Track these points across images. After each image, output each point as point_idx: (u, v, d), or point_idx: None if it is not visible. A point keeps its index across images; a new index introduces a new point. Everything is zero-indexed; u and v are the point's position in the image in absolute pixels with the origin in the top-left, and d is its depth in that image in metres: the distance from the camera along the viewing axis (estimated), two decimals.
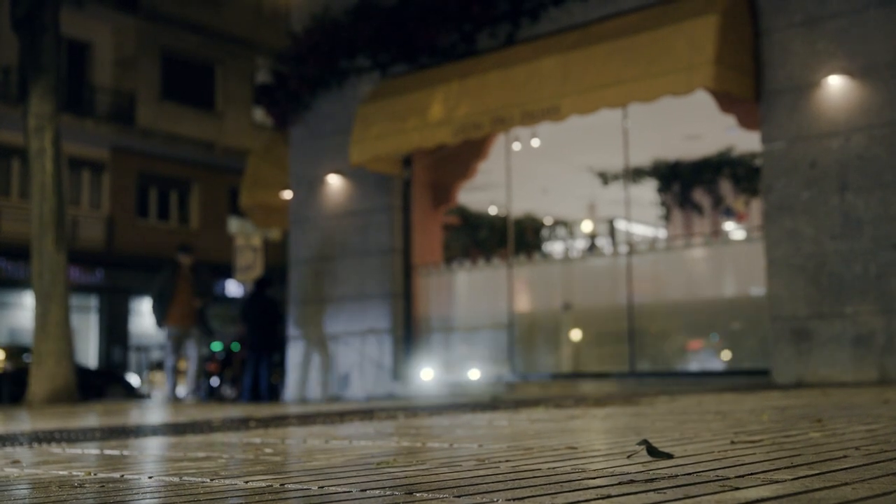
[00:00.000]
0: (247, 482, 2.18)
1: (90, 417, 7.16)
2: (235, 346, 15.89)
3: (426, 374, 12.10)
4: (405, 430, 3.98)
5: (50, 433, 4.70)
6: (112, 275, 25.94)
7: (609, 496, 1.75)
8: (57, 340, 10.84)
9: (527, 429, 3.77)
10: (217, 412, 7.42)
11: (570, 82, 10.04)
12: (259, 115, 26.84)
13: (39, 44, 11.17)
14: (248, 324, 13.76)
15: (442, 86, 11.24)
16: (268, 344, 13.59)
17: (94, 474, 2.49)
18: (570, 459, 2.46)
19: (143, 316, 27.58)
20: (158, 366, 23.56)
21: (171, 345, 12.50)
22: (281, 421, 5.30)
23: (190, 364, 12.66)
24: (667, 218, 15.53)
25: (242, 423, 5.16)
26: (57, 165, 11.29)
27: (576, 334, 11.49)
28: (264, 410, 7.19)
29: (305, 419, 5.35)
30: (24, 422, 6.69)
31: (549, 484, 1.95)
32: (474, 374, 11.84)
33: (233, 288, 26.10)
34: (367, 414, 5.72)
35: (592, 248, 15.43)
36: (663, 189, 15.25)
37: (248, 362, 13.68)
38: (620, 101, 9.83)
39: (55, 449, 3.45)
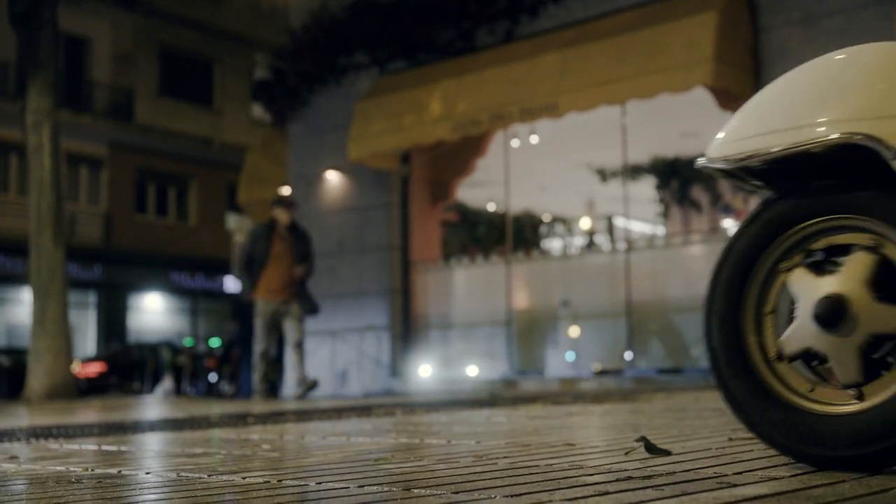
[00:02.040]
0: (244, 478, 2.18)
1: (88, 413, 7.16)
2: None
3: (424, 371, 12.10)
4: (403, 426, 3.98)
5: (48, 429, 4.70)
6: (110, 271, 25.93)
7: (607, 493, 1.75)
8: (55, 337, 10.82)
9: (525, 425, 3.77)
10: (215, 408, 7.42)
11: (569, 79, 10.04)
12: (257, 111, 26.82)
13: (37, 40, 11.15)
14: (240, 320, 13.80)
15: (440, 82, 11.24)
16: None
17: (92, 470, 2.49)
18: (567, 456, 2.46)
19: (141, 312, 27.57)
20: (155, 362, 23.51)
21: (263, 325, 9.70)
22: (279, 417, 5.29)
23: (292, 351, 9.86)
24: (665, 215, 15.52)
25: (240, 419, 5.16)
26: (55, 161, 11.27)
27: (574, 331, 11.49)
28: (262, 406, 7.19)
29: (303, 415, 5.35)
30: (21, 417, 6.68)
31: (547, 480, 1.95)
32: (472, 371, 11.84)
33: (231, 284, 26.07)
34: (364, 410, 5.71)
35: (591, 245, 15.43)
36: (662, 186, 15.24)
37: (244, 359, 13.69)
38: (619, 98, 9.83)
39: (52, 444, 3.45)
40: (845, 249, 2.01)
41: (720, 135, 2.15)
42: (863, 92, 1.96)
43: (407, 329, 12.28)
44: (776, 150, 2.01)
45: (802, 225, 2.05)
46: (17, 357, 19.82)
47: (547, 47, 10.46)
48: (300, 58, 13.01)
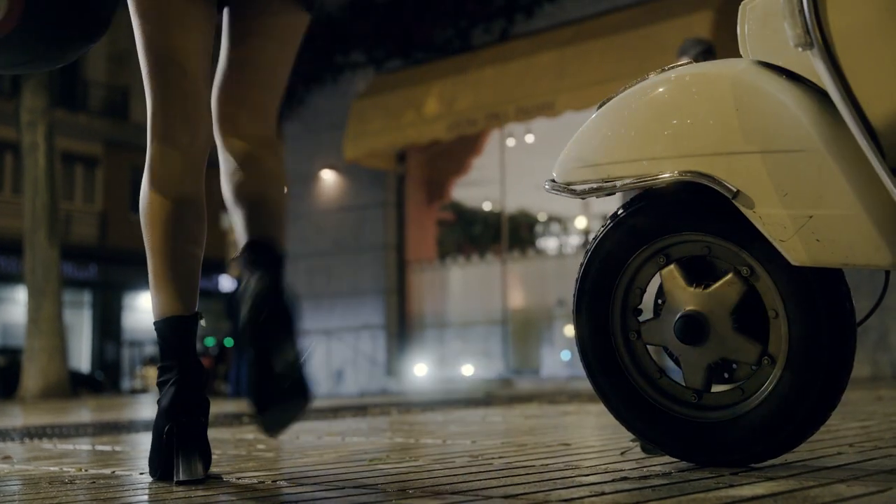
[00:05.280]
0: (238, 479, 2.17)
1: (83, 412, 7.15)
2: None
3: (420, 370, 12.09)
4: (398, 425, 3.97)
5: (42, 428, 4.69)
6: (105, 270, 25.89)
7: (603, 493, 1.74)
8: (50, 336, 10.82)
9: (520, 425, 3.76)
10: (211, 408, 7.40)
11: (565, 78, 10.03)
12: None
13: None
14: (231, 319, 13.79)
15: (437, 81, 11.23)
16: None
17: (85, 470, 2.48)
18: (563, 456, 2.45)
19: (136, 311, 27.53)
20: (152, 360, 23.47)
21: None
22: None
23: None
24: None
25: (235, 419, 5.15)
26: (50, 160, 11.26)
27: (570, 330, 11.49)
28: None
29: None
30: (15, 417, 6.67)
31: (543, 481, 1.95)
32: (468, 370, 11.84)
33: (227, 283, 26.05)
34: (360, 410, 5.71)
35: (586, 243, 15.43)
36: None
37: (238, 358, 13.68)
38: None
39: (46, 445, 3.44)
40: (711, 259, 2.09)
41: (564, 158, 2.19)
42: (699, 126, 1.98)
43: (402, 328, 12.27)
44: (620, 184, 2.06)
45: (669, 239, 2.10)
46: (12, 356, 19.77)
47: (543, 46, 10.46)
48: (296, 56, 12.99)
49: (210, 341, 20.07)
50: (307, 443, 3.18)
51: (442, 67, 11.42)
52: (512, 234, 14.17)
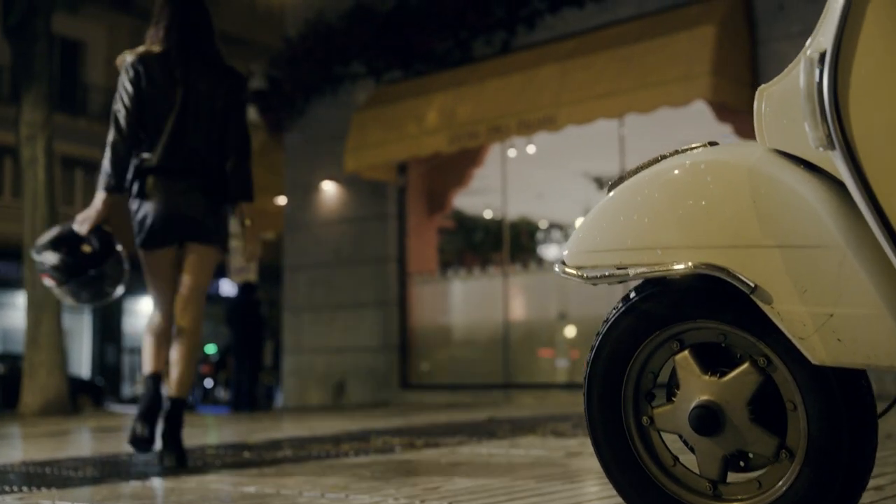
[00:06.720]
0: None
1: (83, 438, 7.10)
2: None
3: (421, 383, 12.05)
4: (401, 474, 3.93)
5: (41, 466, 4.65)
6: None
7: None
8: (49, 351, 10.78)
9: (526, 473, 3.72)
10: (212, 432, 7.36)
11: (567, 92, 9.98)
12: (252, 115, 26.68)
13: (32, 51, 11.09)
14: (231, 328, 13.78)
15: (438, 93, 11.18)
16: (250, 349, 13.58)
17: None
18: None
19: (136, 316, 27.49)
20: None
21: None
22: (275, 450, 5.25)
23: None
24: None
25: (237, 454, 5.11)
26: (49, 175, 11.21)
27: (571, 339, 11.44)
28: (259, 433, 7.13)
29: (300, 448, 5.31)
30: (14, 444, 6.62)
31: None
32: (468, 381, 11.79)
33: (227, 288, 25.98)
34: (362, 440, 5.67)
35: None
36: None
37: (238, 367, 13.66)
38: (617, 112, 9.78)
39: (44, 500, 3.39)
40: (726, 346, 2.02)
41: (574, 241, 2.13)
42: (714, 216, 1.92)
43: (403, 340, 12.23)
44: (633, 272, 2.00)
45: (683, 325, 2.04)
46: (13, 362, 19.73)
47: (545, 59, 10.41)
48: (296, 66, 12.95)
49: (211, 348, 20.04)
50: (309, 502, 3.13)
51: (443, 79, 11.37)
52: (513, 241, 14.12)
